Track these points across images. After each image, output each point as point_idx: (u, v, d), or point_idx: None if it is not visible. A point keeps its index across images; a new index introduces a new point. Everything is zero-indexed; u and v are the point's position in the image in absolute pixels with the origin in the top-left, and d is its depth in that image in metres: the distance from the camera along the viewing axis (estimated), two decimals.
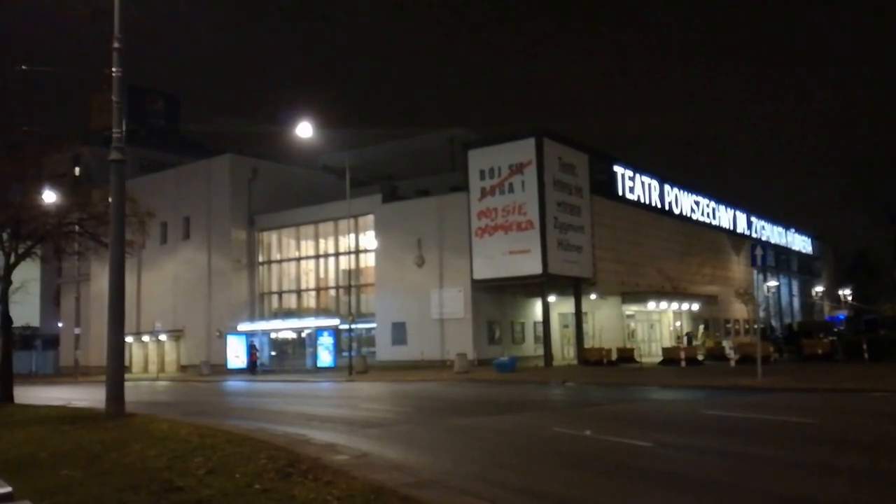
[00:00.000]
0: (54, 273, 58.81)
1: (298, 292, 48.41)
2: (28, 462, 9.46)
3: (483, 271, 38.39)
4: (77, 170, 51.16)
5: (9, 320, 21.96)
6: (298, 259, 48.33)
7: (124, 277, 15.27)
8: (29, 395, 25.60)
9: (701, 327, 49.25)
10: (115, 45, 14.89)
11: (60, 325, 59.31)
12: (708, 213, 57.41)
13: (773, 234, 70.06)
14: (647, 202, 48.30)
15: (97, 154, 50.79)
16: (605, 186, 43.69)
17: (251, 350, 44.12)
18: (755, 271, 62.54)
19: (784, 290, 70.73)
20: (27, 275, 33.52)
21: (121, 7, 14.81)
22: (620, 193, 45.37)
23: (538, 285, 38.64)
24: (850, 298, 78.86)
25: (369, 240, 43.45)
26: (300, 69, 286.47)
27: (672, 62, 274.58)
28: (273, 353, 46.26)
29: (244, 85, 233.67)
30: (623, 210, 45.16)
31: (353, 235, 43.71)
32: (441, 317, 39.43)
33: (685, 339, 45.87)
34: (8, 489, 3.86)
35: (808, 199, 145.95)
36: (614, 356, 37.66)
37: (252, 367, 42.89)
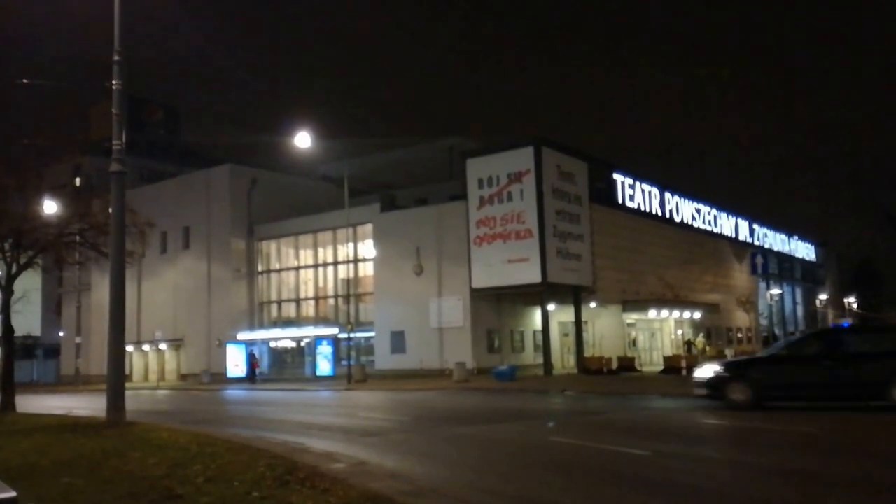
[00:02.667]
0: (55, 283, 59.02)
1: (297, 301, 48.49)
2: (30, 470, 9.54)
3: (482, 280, 38.47)
4: (77, 180, 51.39)
5: (10, 330, 22.06)
6: (297, 268, 48.43)
7: (124, 287, 15.37)
8: (30, 403, 25.64)
9: (700, 336, 49.31)
10: (116, 58, 15.04)
11: (61, 334, 59.41)
12: (709, 221, 57.41)
13: (775, 241, 69.89)
14: (648, 210, 48.35)
15: (97, 164, 51.05)
16: (605, 194, 43.78)
17: (251, 359, 44.20)
18: (758, 279, 62.54)
19: (787, 299, 70.61)
20: (28, 284, 33.69)
21: (121, 21, 14.97)
22: (620, 201, 45.45)
23: (537, 294, 38.72)
24: (854, 306, 78.71)
25: (368, 249, 43.54)
26: (299, 80, 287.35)
27: (672, 68, 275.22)
28: (272, 362, 46.38)
29: (243, 95, 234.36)
30: (623, 218, 45.23)
31: (351, 244, 43.83)
32: (440, 325, 39.48)
33: (686, 347, 45.89)
34: (12, 493, 3.94)
35: (811, 207, 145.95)
36: (615, 365, 37.69)
37: (252, 376, 42.95)
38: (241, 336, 46.57)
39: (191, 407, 25.90)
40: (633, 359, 40.38)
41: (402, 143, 59.10)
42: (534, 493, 8.42)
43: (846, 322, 65.38)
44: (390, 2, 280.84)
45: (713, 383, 17.40)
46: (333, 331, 43.47)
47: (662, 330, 51.54)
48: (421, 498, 7.76)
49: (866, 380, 15.56)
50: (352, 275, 43.74)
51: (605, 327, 45.24)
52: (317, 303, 47.74)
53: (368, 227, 43.22)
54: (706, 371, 18.13)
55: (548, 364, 38.15)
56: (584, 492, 8.52)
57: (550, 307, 39.70)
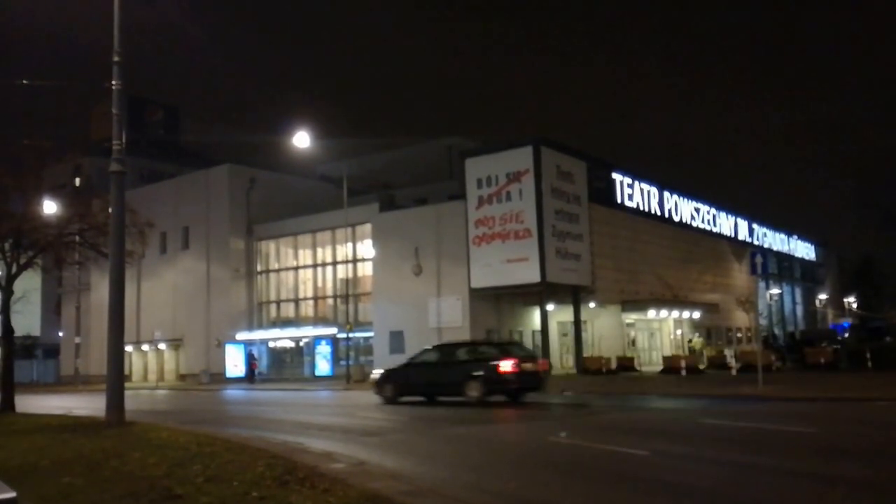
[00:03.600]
0: (55, 283, 59.02)
1: (296, 301, 48.51)
2: (30, 470, 9.57)
3: (481, 280, 38.48)
4: (77, 180, 51.38)
5: (10, 330, 22.07)
6: (296, 268, 48.45)
7: (124, 287, 15.38)
8: (30, 403, 25.65)
9: (697, 335, 49.31)
10: (115, 58, 15.06)
11: (61, 334, 59.43)
12: (708, 220, 57.37)
13: (775, 241, 69.80)
14: (647, 209, 48.35)
15: (97, 164, 51.06)
16: (604, 194, 43.79)
17: (249, 359, 44.22)
18: (758, 279, 62.42)
19: (787, 298, 70.54)
20: (28, 285, 33.70)
21: (120, 21, 14.98)
22: (619, 201, 45.46)
23: (536, 294, 38.72)
24: (854, 306, 78.60)
25: (367, 249, 43.56)
26: (298, 79, 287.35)
27: (671, 68, 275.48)
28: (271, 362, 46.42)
29: (242, 95, 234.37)
30: (622, 218, 45.24)
31: (350, 244, 43.84)
32: (439, 325, 39.44)
33: (689, 348, 45.87)
34: (13, 494, 3.95)
35: (811, 206, 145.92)
36: (614, 365, 37.64)
37: (250, 376, 42.93)
38: (240, 336, 46.59)
39: (190, 407, 25.91)
40: (632, 359, 40.33)
41: (401, 142, 59.16)
42: (534, 493, 8.42)
43: (846, 322, 65.31)
44: (390, 1, 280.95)
45: (377, 382, 23.23)
46: (332, 331, 43.49)
47: (662, 330, 51.53)
48: (421, 498, 7.77)
49: (453, 380, 20.49)
50: (351, 275, 43.75)
51: (605, 327, 45.24)
52: (316, 303, 47.77)
53: (367, 227, 43.23)
54: (376, 374, 24.07)
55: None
56: (584, 492, 8.53)
57: (549, 307, 39.69)
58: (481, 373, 20.10)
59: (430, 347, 25.04)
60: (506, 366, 20.00)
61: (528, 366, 20.69)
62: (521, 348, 23.87)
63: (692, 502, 7.94)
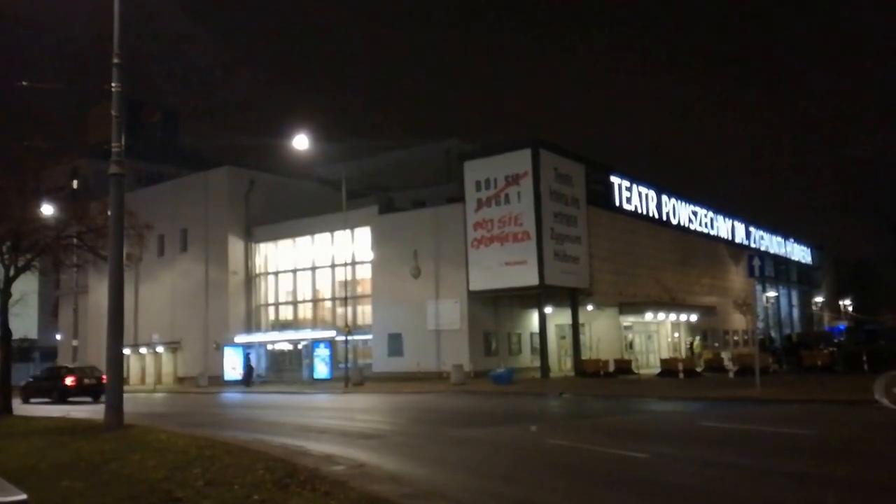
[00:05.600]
0: (52, 285, 58.82)
1: (295, 304, 48.42)
2: (29, 473, 9.54)
3: (479, 282, 38.45)
4: (75, 183, 51.19)
5: (8, 332, 22.05)
6: (295, 271, 48.34)
7: (123, 290, 15.36)
8: (27, 406, 25.61)
9: (697, 338, 49.23)
10: (115, 60, 15.05)
11: (58, 336, 59.26)
12: (706, 224, 57.43)
13: (772, 244, 69.93)
14: (645, 212, 48.35)
15: (95, 167, 50.90)
16: (602, 197, 43.79)
17: (246, 362, 44.12)
18: (754, 282, 62.53)
19: (783, 301, 70.60)
20: (26, 287, 33.57)
21: (120, 23, 14.98)
22: (617, 204, 45.44)
23: (535, 296, 38.70)
24: (850, 309, 78.76)
25: (365, 251, 43.49)
26: (297, 81, 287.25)
27: (670, 71, 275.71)
28: (269, 365, 46.34)
29: (242, 97, 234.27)
30: (620, 220, 45.22)
31: (349, 247, 43.75)
32: (437, 328, 39.41)
33: (690, 350, 45.81)
34: (23, 496, 3.95)
35: (808, 209, 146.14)
36: (612, 367, 37.57)
37: (247, 380, 42.79)
38: (239, 339, 46.47)
39: (188, 410, 25.87)
40: (629, 361, 40.28)
41: (399, 145, 59.31)
42: (534, 495, 8.43)
43: (842, 325, 65.31)
44: (388, 3, 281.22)
45: (22, 389, 32.65)
46: (331, 333, 43.36)
47: (659, 332, 51.48)
48: (421, 500, 7.79)
49: (48, 388, 32.02)
50: (349, 277, 43.68)
51: (602, 330, 45.20)
52: (314, 305, 47.67)
53: (366, 230, 43.16)
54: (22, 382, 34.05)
55: (545, 367, 38.10)
56: (584, 494, 8.54)
57: (547, 310, 39.65)
58: (57, 383, 31.80)
59: (47, 368, 37.87)
60: (69, 381, 31.71)
61: (87, 381, 31.84)
62: (90, 370, 33.26)
63: (692, 503, 7.96)
